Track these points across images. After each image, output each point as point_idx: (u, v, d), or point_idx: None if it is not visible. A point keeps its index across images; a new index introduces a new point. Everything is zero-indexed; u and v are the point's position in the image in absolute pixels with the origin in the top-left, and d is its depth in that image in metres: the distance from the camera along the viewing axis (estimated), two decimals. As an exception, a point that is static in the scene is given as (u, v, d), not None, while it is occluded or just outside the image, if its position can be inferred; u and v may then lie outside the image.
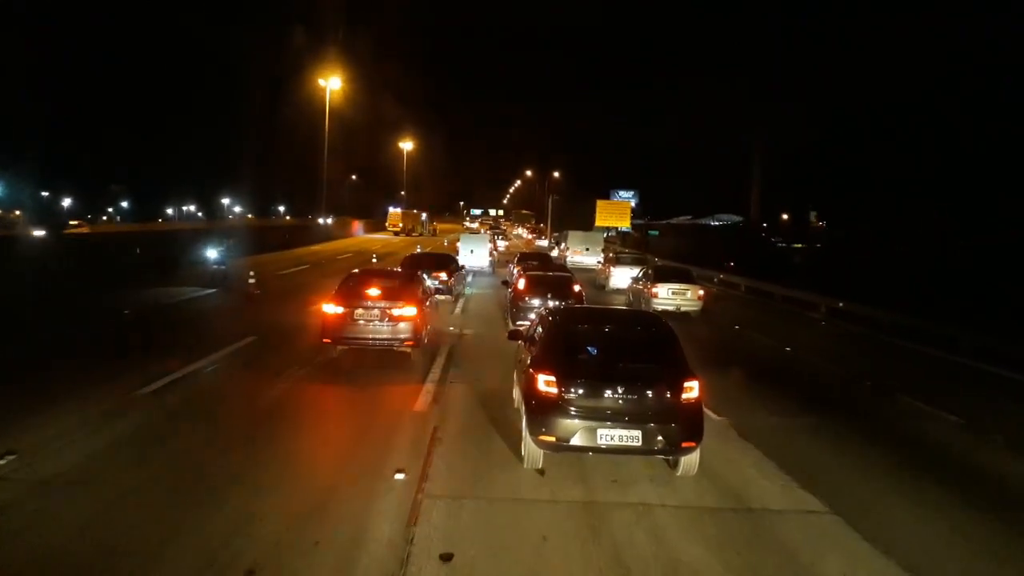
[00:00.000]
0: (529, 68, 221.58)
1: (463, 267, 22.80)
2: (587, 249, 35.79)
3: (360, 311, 10.97)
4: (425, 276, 14.32)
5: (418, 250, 40.09)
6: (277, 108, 62.93)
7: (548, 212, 74.31)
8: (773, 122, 54.86)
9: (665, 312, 17.27)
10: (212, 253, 21.44)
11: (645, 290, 19.38)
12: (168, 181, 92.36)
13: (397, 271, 15.17)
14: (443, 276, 18.54)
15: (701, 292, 19.24)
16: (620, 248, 38.61)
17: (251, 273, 19.56)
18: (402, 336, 11.00)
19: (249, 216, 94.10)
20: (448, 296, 18.34)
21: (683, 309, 18.62)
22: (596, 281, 26.58)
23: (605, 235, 54.31)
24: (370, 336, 11.00)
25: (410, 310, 11.06)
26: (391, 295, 11.22)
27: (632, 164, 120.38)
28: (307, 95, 54.61)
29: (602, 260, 29.98)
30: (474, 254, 28.45)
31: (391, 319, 10.96)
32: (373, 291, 11.27)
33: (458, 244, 30.91)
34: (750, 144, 55.62)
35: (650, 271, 20.57)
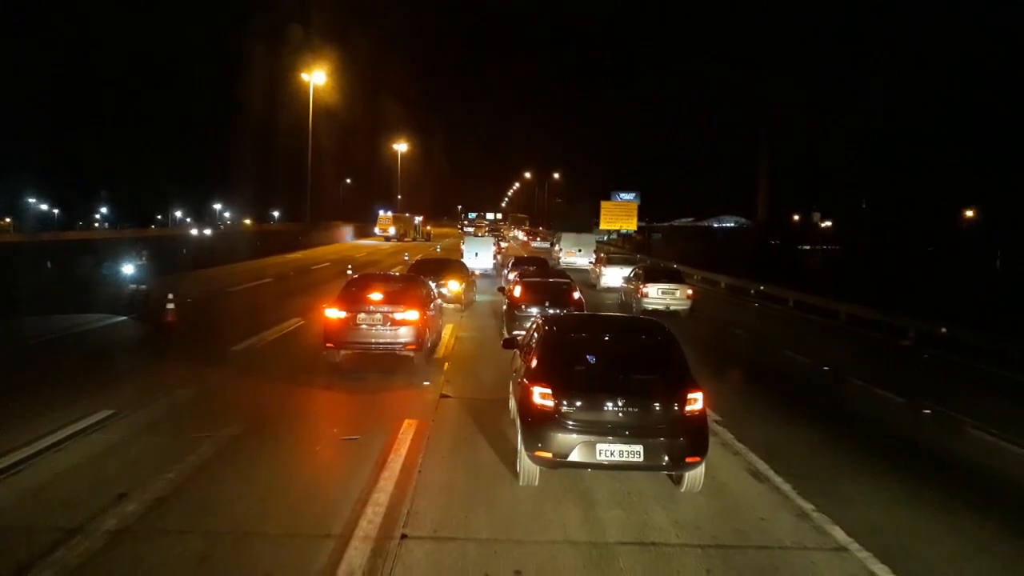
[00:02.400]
0: (528, 69, 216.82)
1: (474, 272, 22.37)
2: (580, 250, 37.00)
3: (363, 315, 10.81)
4: (434, 283, 14.45)
5: (406, 257, 36.19)
6: (275, 111, 58.87)
7: (552, 214, 72.11)
8: (780, 121, 51.32)
9: (655, 312, 17.81)
10: (127, 268, 16.70)
11: (635, 290, 19.56)
12: (160, 186, 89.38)
13: (401, 275, 14.70)
14: (453, 285, 17.58)
15: (690, 291, 19.43)
16: (611, 248, 39.96)
17: (169, 296, 14.84)
18: (404, 340, 10.82)
19: (247, 221, 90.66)
20: (459, 306, 17.65)
21: (672, 308, 18.74)
22: (588, 280, 27.01)
23: (606, 238, 56.12)
24: (372, 340, 10.85)
25: (412, 314, 10.86)
26: (394, 299, 11.09)
27: (633, 165, 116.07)
28: (305, 98, 50.72)
29: (594, 260, 30.77)
30: (479, 256, 29.38)
31: (393, 323, 10.78)
32: (376, 295, 11.18)
33: (463, 247, 32.24)
34: (757, 144, 52.70)
35: (640, 271, 20.76)
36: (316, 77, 50.92)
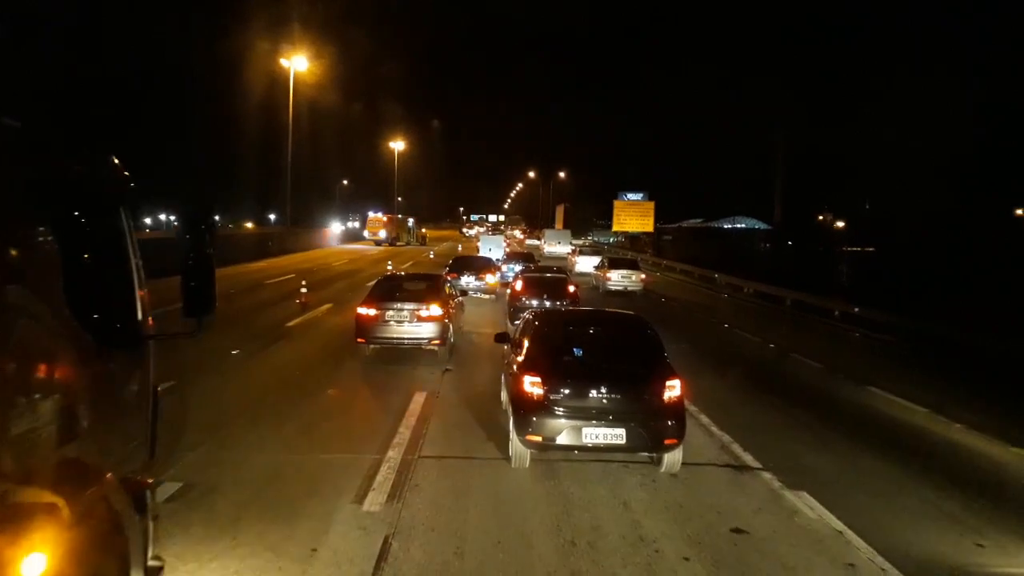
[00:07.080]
0: (531, 69, 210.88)
1: (503, 267, 25.30)
2: (559, 242, 47.82)
3: (391, 312, 11.42)
4: (471, 277, 20.43)
5: (389, 266, 30.82)
6: (276, 112, 54.26)
7: (561, 215, 73.45)
8: (795, 118, 47.11)
9: (616, 291, 24.09)
10: None
11: (602, 275, 24.81)
12: (158, 187, 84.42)
13: (425, 275, 15.77)
14: (488, 278, 21.06)
15: (643, 276, 24.82)
16: (581, 243, 50.53)
17: None
18: (429, 336, 11.43)
19: (249, 224, 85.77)
20: (492, 296, 20.63)
21: (629, 289, 24.09)
22: (564, 267, 30.61)
23: (612, 239, 62.22)
24: (397, 336, 11.44)
25: (437, 311, 11.48)
26: (419, 297, 11.82)
27: (639, 165, 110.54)
28: (305, 99, 48.74)
29: (570, 251, 40.26)
30: (491, 251, 34.85)
31: (419, 320, 11.38)
32: (402, 294, 12.06)
33: (478, 244, 40.70)
34: (773, 142, 49.99)
35: (605, 261, 26.74)
36: (296, 63, 45.82)
